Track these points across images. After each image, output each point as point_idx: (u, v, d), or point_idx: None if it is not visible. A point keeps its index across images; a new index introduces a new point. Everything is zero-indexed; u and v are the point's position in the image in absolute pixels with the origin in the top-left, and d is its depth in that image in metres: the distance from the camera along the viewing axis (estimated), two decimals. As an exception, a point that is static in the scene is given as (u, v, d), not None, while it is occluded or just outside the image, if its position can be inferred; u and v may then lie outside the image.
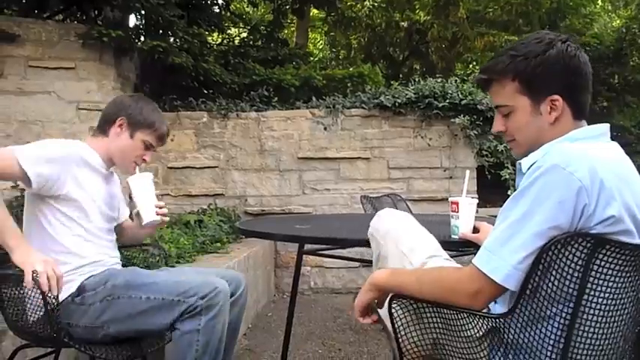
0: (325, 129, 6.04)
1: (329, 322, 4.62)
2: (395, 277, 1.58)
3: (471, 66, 10.74)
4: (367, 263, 5.29)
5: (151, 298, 1.96)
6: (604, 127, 1.47)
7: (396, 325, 1.53)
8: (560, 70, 1.42)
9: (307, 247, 3.31)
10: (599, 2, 12.70)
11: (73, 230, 2.07)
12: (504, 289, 1.32)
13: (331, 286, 5.89)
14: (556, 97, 1.42)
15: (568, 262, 1.30)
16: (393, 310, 1.52)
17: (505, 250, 1.30)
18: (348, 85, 6.72)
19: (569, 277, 1.30)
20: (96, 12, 6.77)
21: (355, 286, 5.82)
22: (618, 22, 13.79)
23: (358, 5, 10.54)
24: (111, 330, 1.98)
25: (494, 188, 5.96)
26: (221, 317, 1.96)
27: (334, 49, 12.01)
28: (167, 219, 2.27)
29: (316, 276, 5.90)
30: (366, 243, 2.09)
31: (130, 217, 2.43)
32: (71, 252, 2.05)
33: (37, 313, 1.92)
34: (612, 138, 1.48)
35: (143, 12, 6.48)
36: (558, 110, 1.42)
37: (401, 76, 7.16)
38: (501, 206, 1.41)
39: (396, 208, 4.71)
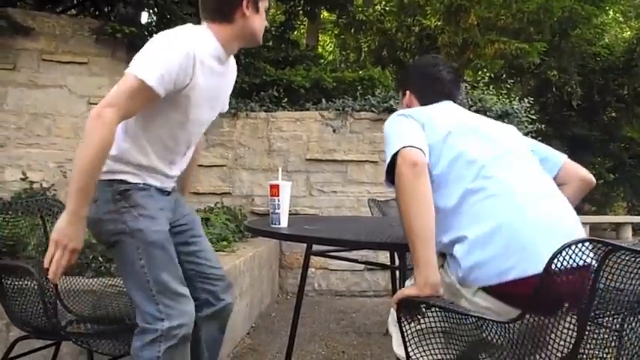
0: (334, 131, 6.05)
1: (332, 324, 4.63)
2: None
3: (480, 73, 10.73)
4: (372, 266, 5.30)
5: (146, 274, 1.89)
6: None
7: (405, 332, 1.54)
8: (410, 73, 2.20)
9: (314, 248, 3.33)
10: (611, 13, 12.69)
11: (162, 127, 1.96)
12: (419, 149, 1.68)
13: (335, 288, 5.90)
14: (407, 90, 2.14)
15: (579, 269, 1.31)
16: (402, 317, 1.54)
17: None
18: (358, 88, 6.72)
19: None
20: (109, 8, 6.81)
21: (359, 289, 5.83)
22: (629, 33, 13.78)
23: (370, 9, 10.55)
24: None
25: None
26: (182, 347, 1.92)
27: (344, 52, 12.03)
28: None
29: (320, 278, 5.91)
30: (374, 246, 2.09)
31: None
32: (139, 144, 1.95)
33: (37, 304, 1.91)
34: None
35: (156, 9, 6.52)
36: (407, 99, 2.13)
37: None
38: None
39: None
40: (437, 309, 1.52)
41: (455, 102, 2.06)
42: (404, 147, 1.67)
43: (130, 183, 1.94)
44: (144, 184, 1.97)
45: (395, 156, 1.68)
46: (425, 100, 2.05)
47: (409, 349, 1.59)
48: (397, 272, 3.68)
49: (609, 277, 1.31)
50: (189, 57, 1.85)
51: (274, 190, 2.43)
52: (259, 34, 2.04)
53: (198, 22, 2.02)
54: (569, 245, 1.33)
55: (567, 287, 1.38)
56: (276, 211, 2.44)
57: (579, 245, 1.34)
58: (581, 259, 1.35)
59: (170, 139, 2.00)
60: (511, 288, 1.52)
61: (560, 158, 2.04)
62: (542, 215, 1.63)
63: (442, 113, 1.91)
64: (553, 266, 1.33)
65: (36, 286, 1.84)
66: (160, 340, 1.86)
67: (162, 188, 2.05)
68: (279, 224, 2.44)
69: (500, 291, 1.54)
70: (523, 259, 1.53)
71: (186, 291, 1.97)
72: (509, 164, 1.75)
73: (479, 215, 1.64)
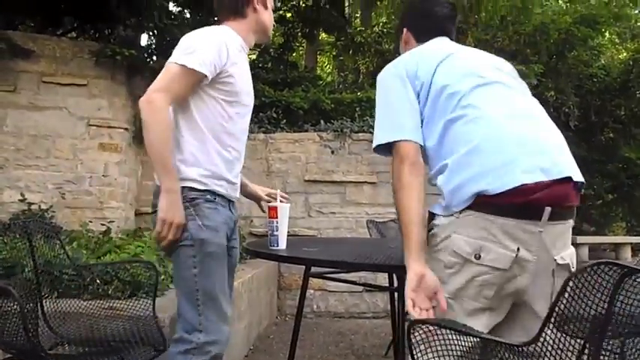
0: (332, 152, 6.07)
1: (331, 346, 4.60)
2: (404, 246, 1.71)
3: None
4: (371, 288, 5.29)
5: (196, 283, 1.98)
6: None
7: (415, 353, 1.54)
8: (407, 11, 2.26)
9: (312, 270, 3.32)
10: (607, 35, 12.80)
11: (220, 115, 2.08)
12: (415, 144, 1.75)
13: (334, 310, 5.86)
14: (404, 28, 2.13)
15: (594, 291, 1.31)
16: (412, 337, 1.53)
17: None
18: (357, 109, 6.75)
19: (594, 305, 1.31)
20: (109, 30, 6.87)
21: (358, 310, 5.80)
22: (625, 54, 13.88)
23: (368, 30, 10.64)
24: None
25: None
26: None
27: (342, 73, 12.09)
28: None
29: (319, 299, 5.88)
30: (372, 267, 2.09)
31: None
32: (209, 139, 2.06)
33: (19, 326, 1.93)
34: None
35: (155, 31, 6.58)
36: (405, 36, 2.11)
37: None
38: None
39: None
40: (448, 330, 1.51)
41: (451, 38, 2.07)
42: (402, 140, 1.74)
43: (199, 190, 2.03)
44: (211, 192, 2.06)
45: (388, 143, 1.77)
46: (420, 37, 2.06)
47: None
48: (396, 294, 3.66)
49: (624, 301, 1.30)
50: (221, 42, 2.04)
51: (273, 212, 2.42)
52: (269, 28, 2.27)
53: None
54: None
55: (549, 194, 1.55)
56: (275, 233, 2.43)
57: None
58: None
59: (225, 133, 2.09)
60: (492, 199, 1.58)
61: None
62: (521, 133, 1.66)
63: (431, 54, 1.89)
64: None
65: (17, 308, 1.84)
66: (193, 353, 1.94)
67: (227, 196, 2.14)
68: (278, 246, 2.43)
69: (481, 202, 1.59)
70: (501, 176, 1.58)
71: (229, 311, 2.07)
72: (492, 92, 1.77)
73: (457, 141, 1.69)
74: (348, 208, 6.04)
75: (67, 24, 7.12)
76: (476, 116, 1.70)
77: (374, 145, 1.85)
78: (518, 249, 1.57)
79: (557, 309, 1.33)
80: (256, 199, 2.51)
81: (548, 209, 1.56)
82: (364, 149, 6.08)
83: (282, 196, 2.45)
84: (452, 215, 1.66)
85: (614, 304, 1.29)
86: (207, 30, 2.11)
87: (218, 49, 2.01)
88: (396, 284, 3.48)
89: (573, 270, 1.64)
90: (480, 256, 1.60)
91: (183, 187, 2.01)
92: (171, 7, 6.80)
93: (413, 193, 1.70)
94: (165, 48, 6.60)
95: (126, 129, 5.82)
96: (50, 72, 5.63)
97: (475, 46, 8.43)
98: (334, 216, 6.04)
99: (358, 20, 12.45)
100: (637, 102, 11.51)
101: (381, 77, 1.93)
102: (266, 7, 2.23)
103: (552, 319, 1.34)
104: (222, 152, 2.09)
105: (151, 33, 6.78)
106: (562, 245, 1.66)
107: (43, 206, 5.37)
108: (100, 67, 5.71)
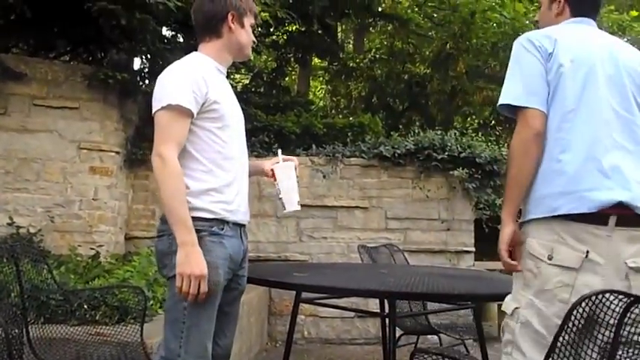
0: (324, 177, 6.07)
1: (322, 373, 4.54)
2: (504, 201, 1.95)
3: (469, 119, 10.87)
4: (362, 314, 5.25)
5: (184, 316, 1.97)
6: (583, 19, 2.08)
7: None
8: None
9: (303, 295, 3.28)
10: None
11: (215, 144, 2.07)
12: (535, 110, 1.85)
13: (325, 336, 5.80)
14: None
15: (600, 320, 1.29)
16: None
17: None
18: (349, 134, 6.78)
19: (601, 333, 1.30)
20: (102, 54, 6.88)
21: (349, 336, 5.74)
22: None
23: (360, 56, 10.74)
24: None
25: (491, 242, 5.95)
26: None
27: (335, 98, 12.18)
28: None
29: (310, 325, 5.82)
30: (364, 293, 2.07)
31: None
32: (210, 169, 2.05)
33: (3, 352, 1.91)
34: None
35: (148, 55, 6.59)
36: (560, 7, 2.07)
37: (400, 127, 7.25)
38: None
39: (393, 259, 4.71)
40: None
41: (595, 20, 2.12)
42: (530, 108, 1.85)
43: (206, 221, 2.01)
44: (220, 221, 2.04)
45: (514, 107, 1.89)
46: (578, 12, 2.07)
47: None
48: (387, 320, 3.63)
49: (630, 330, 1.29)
50: (195, 71, 2.04)
51: (273, 175, 2.28)
52: (246, 46, 2.24)
53: None
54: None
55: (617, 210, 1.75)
56: (279, 196, 2.27)
57: None
58: None
59: (225, 159, 2.09)
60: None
61: None
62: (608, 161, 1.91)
63: (572, 39, 1.95)
64: None
65: (2, 334, 1.81)
66: None
67: (238, 222, 2.12)
68: (285, 209, 2.26)
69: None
70: (583, 201, 1.84)
71: (209, 348, 2.03)
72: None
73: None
74: (339, 232, 6.01)
75: (60, 47, 7.13)
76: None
77: (504, 101, 1.92)
78: (587, 251, 1.72)
79: (563, 335, 1.31)
80: (261, 172, 2.39)
81: (614, 217, 1.73)
82: (356, 174, 6.08)
83: (284, 159, 2.31)
84: (529, 222, 1.87)
85: (622, 330, 1.28)
86: (176, 66, 2.09)
87: (194, 81, 2.01)
88: (387, 310, 3.45)
89: None
90: (552, 257, 1.76)
91: (192, 218, 1.98)
92: (165, 31, 6.82)
93: (532, 163, 1.85)
94: (157, 72, 6.60)
95: (117, 152, 5.79)
96: (42, 95, 5.61)
97: (466, 73, 8.54)
98: (326, 241, 6.01)
99: (351, 46, 12.57)
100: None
101: (517, 43, 1.99)
102: (242, 26, 2.20)
103: (558, 344, 1.33)
104: (227, 177, 2.09)
105: (143, 57, 6.78)
106: (636, 250, 1.76)
107: (32, 230, 5.30)
108: (92, 90, 5.70)
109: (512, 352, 1.78)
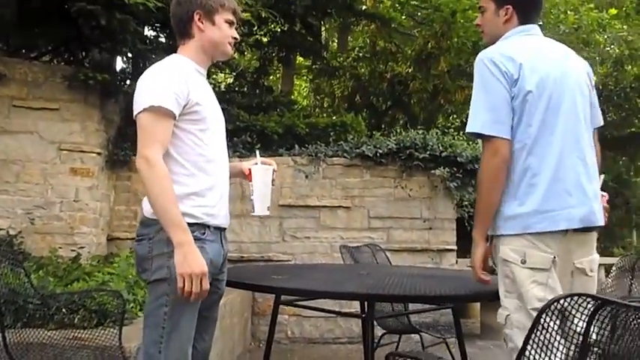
0: (307, 177, 6.08)
1: (305, 373, 4.55)
2: (475, 222, 2.12)
3: (451, 118, 10.94)
4: (344, 316, 5.26)
5: (164, 321, 1.95)
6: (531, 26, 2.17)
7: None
8: None
9: (284, 297, 3.29)
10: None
11: (197, 147, 2.06)
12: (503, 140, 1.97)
13: (308, 335, 5.82)
14: (509, 6, 2.13)
15: (569, 324, 1.32)
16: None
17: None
18: (331, 133, 6.79)
19: (569, 338, 1.33)
20: (83, 54, 6.83)
21: (333, 336, 5.76)
22: (595, 78, 14.19)
23: (344, 55, 10.75)
24: None
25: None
26: None
27: (319, 97, 12.20)
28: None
29: (294, 325, 5.83)
30: (342, 296, 2.09)
31: None
32: (192, 172, 2.04)
33: None
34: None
35: (130, 56, 6.56)
36: (509, 15, 2.13)
37: (383, 126, 7.28)
38: None
39: (375, 259, 4.72)
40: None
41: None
42: (497, 137, 1.96)
43: (188, 225, 1.97)
44: (201, 226, 2.03)
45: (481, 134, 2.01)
46: (525, 19, 2.15)
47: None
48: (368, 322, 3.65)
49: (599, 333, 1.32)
50: (176, 72, 2.03)
51: (249, 175, 2.29)
52: (221, 43, 2.19)
53: None
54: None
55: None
56: (251, 197, 2.27)
57: None
58: None
59: (207, 162, 2.08)
60: None
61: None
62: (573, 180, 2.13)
63: (534, 62, 2.02)
64: None
65: None
66: None
67: (219, 226, 2.11)
68: (254, 212, 2.27)
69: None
70: (549, 221, 2.04)
71: (189, 353, 2.03)
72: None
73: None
74: (322, 232, 6.02)
75: (41, 47, 7.06)
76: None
77: (472, 130, 2.03)
78: (555, 256, 1.94)
79: (530, 342, 1.34)
80: (240, 173, 2.38)
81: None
82: (338, 173, 6.10)
83: (263, 162, 2.32)
84: (500, 236, 2.03)
85: (590, 335, 1.31)
86: (157, 68, 2.06)
87: (175, 82, 1.99)
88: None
89: (591, 274, 2.05)
90: (525, 261, 1.95)
91: None
92: (147, 31, 6.79)
93: (500, 189, 2.01)
94: (139, 72, 6.58)
95: (98, 153, 5.76)
96: (21, 96, 5.57)
97: (448, 72, 8.59)
98: (309, 240, 6.02)
99: (335, 44, 12.58)
100: (607, 125, 11.75)
101: (479, 62, 2.05)
102: (213, 23, 2.16)
103: (526, 353, 1.37)
104: (209, 181, 2.08)
105: (125, 57, 6.75)
106: (583, 252, 2.03)
107: (12, 232, 5.26)
108: (72, 91, 5.66)
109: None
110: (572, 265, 2.00)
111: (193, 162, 2.05)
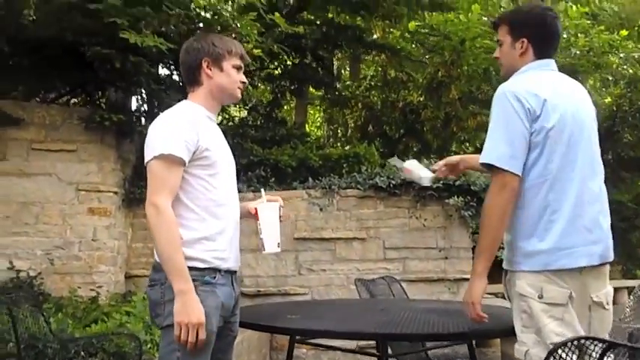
0: (321, 209, 6.11)
1: (324, 409, 4.52)
2: (476, 259, 2.12)
3: (464, 146, 10.94)
4: (360, 354, 5.24)
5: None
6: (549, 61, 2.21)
7: None
8: (532, 24, 2.19)
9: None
10: (591, 81, 13.07)
11: (208, 192, 2.09)
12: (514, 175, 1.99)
13: (327, 369, 5.78)
14: (524, 39, 2.17)
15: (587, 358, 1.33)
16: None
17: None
18: (344, 165, 6.84)
19: None
20: (99, 93, 6.98)
21: (351, 369, 5.72)
22: (609, 99, 14.13)
23: (355, 83, 10.85)
24: None
25: (492, 267, 5.96)
26: None
27: (332, 126, 12.28)
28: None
29: (312, 359, 5.80)
30: (355, 336, 2.11)
31: None
32: (203, 217, 2.07)
33: None
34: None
35: (145, 95, 6.69)
36: (524, 47, 2.17)
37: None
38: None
39: (391, 291, 4.71)
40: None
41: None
42: (510, 172, 1.99)
43: (199, 270, 2.02)
44: (212, 270, 2.06)
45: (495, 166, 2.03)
46: (542, 54, 2.18)
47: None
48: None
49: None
50: (186, 119, 2.08)
51: (255, 214, 2.29)
52: (230, 88, 2.24)
53: None
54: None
55: None
56: (260, 236, 2.28)
57: None
58: None
59: (217, 206, 2.11)
60: None
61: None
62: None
63: (555, 99, 2.05)
64: None
65: None
66: None
67: (228, 269, 2.13)
68: (264, 250, 2.29)
69: None
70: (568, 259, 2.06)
71: None
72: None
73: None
74: (338, 264, 6.03)
75: (59, 87, 7.22)
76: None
77: (487, 160, 2.05)
78: (571, 291, 1.95)
79: None
80: (249, 214, 2.37)
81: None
82: (352, 205, 6.12)
83: (269, 199, 2.33)
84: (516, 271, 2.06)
85: None
86: (168, 115, 2.13)
87: (185, 129, 2.04)
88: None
89: (608, 307, 2.07)
90: (542, 296, 1.96)
91: None
92: (161, 69, 6.93)
93: (507, 223, 2.04)
94: (154, 111, 6.71)
95: (115, 192, 5.85)
96: (40, 139, 5.70)
97: (460, 99, 8.62)
98: (325, 273, 6.02)
99: (347, 73, 12.70)
100: (623, 146, 11.69)
101: (498, 98, 2.08)
102: (222, 70, 2.21)
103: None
104: (219, 225, 2.10)
105: (139, 97, 6.88)
106: (598, 286, 2.05)
107: (32, 273, 5.34)
108: (89, 132, 5.78)
109: None
110: (590, 299, 2.02)
111: (204, 207, 2.09)
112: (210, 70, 2.19)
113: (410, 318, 2.65)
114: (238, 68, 2.25)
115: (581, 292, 1.99)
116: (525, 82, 2.10)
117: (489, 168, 2.06)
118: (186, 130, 2.04)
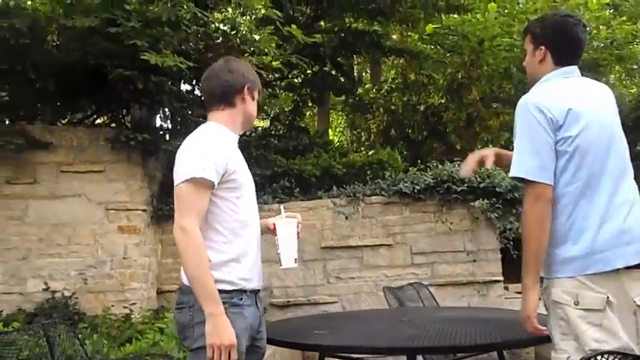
0: (347, 218, 6.13)
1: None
2: (524, 273, 2.08)
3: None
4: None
5: None
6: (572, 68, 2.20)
7: None
8: (551, 31, 2.19)
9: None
10: (615, 73, 12.86)
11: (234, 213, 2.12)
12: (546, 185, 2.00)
13: (360, 377, 5.78)
14: (542, 46, 2.18)
15: None
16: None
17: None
18: (368, 172, 6.85)
19: None
20: (124, 111, 7.11)
21: (384, 376, 5.72)
22: (634, 89, 13.88)
23: (376, 87, 10.84)
24: None
25: (519, 265, 5.92)
26: None
27: (355, 132, 12.28)
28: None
29: (344, 367, 5.81)
30: (384, 351, 2.12)
31: None
32: (230, 240, 2.10)
33: None
34: None
35: (168, 113, 6.79)
36: (542, 54, 2.19)
37: (419, 161, 7.29)
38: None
39: (420, 297, 4.71)
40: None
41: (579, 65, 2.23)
42: (542, 183, 2.00)
43: (227, 292, 2.05)
44: (239, 292, 2.09)
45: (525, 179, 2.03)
46: (561, 61, 2.18)
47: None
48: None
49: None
50: (215, 142, 2.11)
51: (274, 230, 2.32)
52: (252, 117, 2.33)
53: None
54: None
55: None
56: (278, 251, 2.31)
57: None
58: None
59: (242, 227, 2.14)
60: None
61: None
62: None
63: (580, 106, 2.05)
64: None
65: None
66: None
67: (252, 289, 2.16)
68: (282, 265, 2.31)
69: None
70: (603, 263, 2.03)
71: None
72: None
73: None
74: (366, 272, 6.04)
75: (86, 108, 7.37)
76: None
77: (517, 174, 2.06)
78: (608, 295, 1.93)
79: None
80: (268, 229, 2.39)
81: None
82: (378, 212, 6.13)
83: (287, 215, 2.34)
84: (551, 279, 2.05)
85: None
86: (196, 138, 2.15)
87: (215, 152, 2.06)
88: None
89: None
90: (578, 302, 1.95)
91: None
92: (182, 85, 7.02)
93: (547, 233, 2.02)
94: (178, 128, 6.81)
95: (143, 210, 5.95)
96: (68, 161, 5.83)
97: (481, 99, 8.56)
98: (353, 281, 6.04)
99: (368, 76, 12.69)
100: (652, 137, 11.46)
101: (521, 109, 2.09)
102: (253, 99, 2.28)
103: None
104: (244, 246, 2.13)
105: (163, 114, 6.99)
106: None
107: (67, 293, 5.47)
108: (115, 152, 5.90)
109: None
110: (634, 303, 1.98)
111: (231, 229, 2.11)
112: (247, 96, 2.26)
113: (440, 330, 2.65)
114: (258, 103, 2.35)
115: (621, 296, 1.96)
116: (547, 92, 2.10)
117: (521, 181, 2.08)
118: (216, 154, 2.07)
